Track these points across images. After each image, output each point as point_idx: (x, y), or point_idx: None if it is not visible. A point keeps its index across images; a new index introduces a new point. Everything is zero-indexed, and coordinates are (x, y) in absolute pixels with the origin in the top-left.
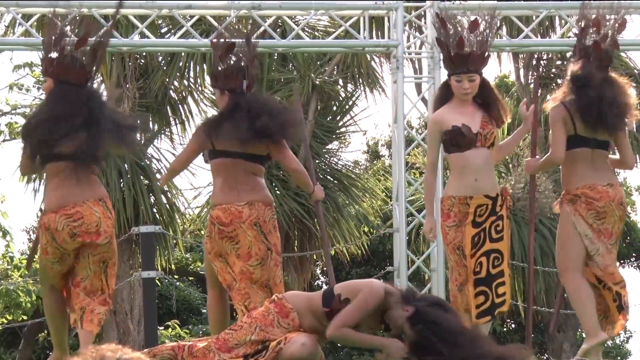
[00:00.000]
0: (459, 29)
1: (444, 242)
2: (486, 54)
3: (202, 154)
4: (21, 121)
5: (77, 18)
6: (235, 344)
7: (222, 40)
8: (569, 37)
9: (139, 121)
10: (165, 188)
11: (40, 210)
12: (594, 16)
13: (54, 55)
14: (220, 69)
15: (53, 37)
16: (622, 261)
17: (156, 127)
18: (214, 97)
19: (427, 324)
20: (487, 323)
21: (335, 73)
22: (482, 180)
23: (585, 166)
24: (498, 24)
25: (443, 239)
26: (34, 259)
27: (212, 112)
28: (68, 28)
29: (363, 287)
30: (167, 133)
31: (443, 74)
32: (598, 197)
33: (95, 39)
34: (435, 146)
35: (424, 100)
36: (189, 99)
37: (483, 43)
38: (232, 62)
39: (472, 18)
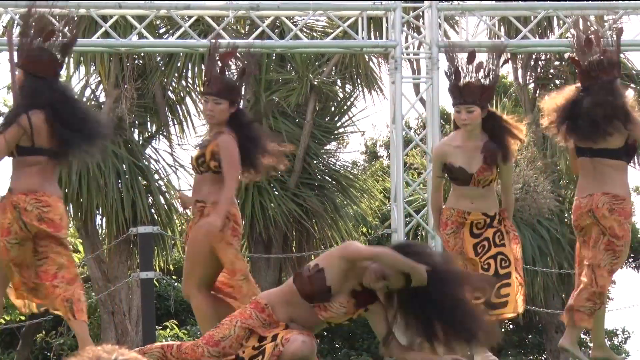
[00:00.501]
0: (458, 61)
1: (444, 245)
2: (485, 85)
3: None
4: None
5: (53, 15)
6: (221, 338)
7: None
8: (567, 37)
9: (103, 121)
10: (164, 188)
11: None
12: (588, 34)
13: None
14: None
15: (25, 30)
16: None
17: (154, 127)
18: None
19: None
20: None
21: (333, 73)
22: (478, 203)
23: (584, 176)
24: (507, 57)
25: (445, 248)
26: None
27: None
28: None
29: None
30: (165, 133)
31: (441, 75)
32: (573, 211)
33: (67, 34)
34: (440, 169)
35: (422, 100)
36: (187, 100)
37: (484, 75)
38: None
39: (473, 52)
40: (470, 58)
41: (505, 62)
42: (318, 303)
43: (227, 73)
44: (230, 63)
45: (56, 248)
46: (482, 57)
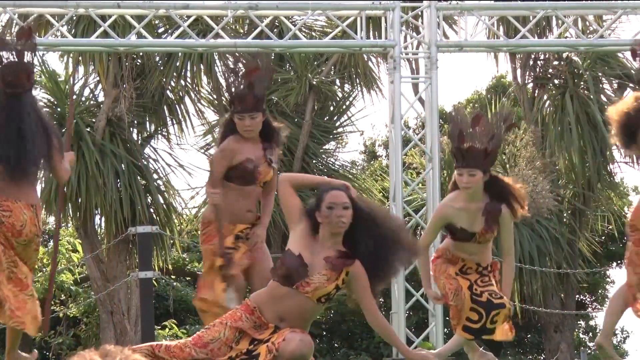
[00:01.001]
0: (463, 124)
1: (434, 274)
2: (488, 149)
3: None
4: None
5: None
6: (210, 340)
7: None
8: (566, 37)
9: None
10: (163, 188)
11: None
12: None
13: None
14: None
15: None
16: (618, 262)
17: (153, 127)
18: (211, 97)
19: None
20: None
21: (332, 73)
22: (474, 256)
23: None
24: (511, 120)
25: (433, 272)
26: None
27: (209, 112)
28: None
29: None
30: (164, 133)
31: (440, 75)
32: (634, 212)
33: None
34: (435, 232)
35: (421, 100)
36: (186, 99)
37: (489, 139)
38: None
39: (478, 115)
40: (475, 121)
41: (511, 127)
42: (299, 282)
43: (254, 86)
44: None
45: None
46: (480, 56)
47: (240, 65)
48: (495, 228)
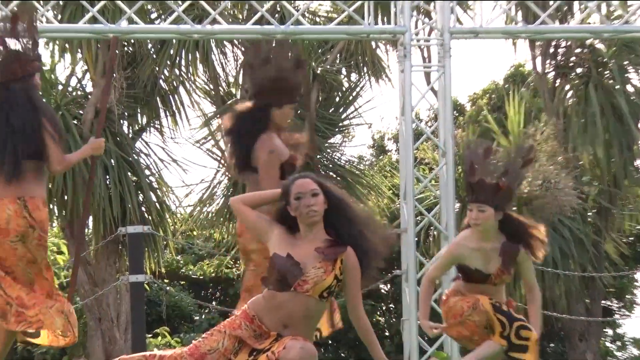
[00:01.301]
0: (474, 155)
1: (444, 306)
2: (501, 185)
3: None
4: None
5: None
6: (207, 350)
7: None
8: (589, 23)
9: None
10: (155, 185)
11: None
12: None
13: None
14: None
15: None
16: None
17: (145, 119)
18: (207, 88)
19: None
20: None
21: (337, 62)
22: (489, 295)
23: None
24: (531, 155)
25: (444, 306)
26: None
27: (205, 103)
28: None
29: None
30: (156, 126)
31: (454, 63)
32: None
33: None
34: (445, 269)
35: (433, 90)
36: (181, 90)
37: (501, 174)
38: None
39: (490, 148)
40: (486, 154)
41: (529, 162)
42: (295, 282)
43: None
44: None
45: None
46: (497, 43)
47: (277, 54)
48: (512, 269)
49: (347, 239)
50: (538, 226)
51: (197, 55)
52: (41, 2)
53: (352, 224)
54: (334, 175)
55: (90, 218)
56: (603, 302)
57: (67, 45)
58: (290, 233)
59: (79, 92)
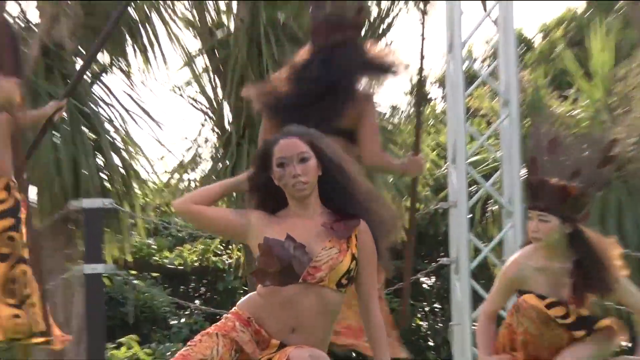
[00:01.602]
0: (538, 148)
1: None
2: (572, 189)
3: None
4: None
5: None
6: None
7: None
8: None
9: None
10: (120, 144)
11: None
12: None
13: None
14: None
15: None
16: None
17: (107, 58)
18: (190, 17)
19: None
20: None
21: None
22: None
23: None
24: (612, 151)
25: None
26: None
27: (187, 36)
28: None
29: None
30: (122, 67)
31: None
32: None
33: None
34: (504, 298)
35: (491, 19)
36: (154, 17)
37: (573, 174)
38: None
39: (555, 139)
40: (552, 147)
41: (610, 160)
42: (303, 270)
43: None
44: None
45: None
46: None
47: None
48: (587, 299)
49: (353, 212)
50: (612, 250)
51: None
52: None
53: (354, 194)
54: None
55: (33, 188)
56: None
57: None
58: (277, 210)
59: (20, 24)
